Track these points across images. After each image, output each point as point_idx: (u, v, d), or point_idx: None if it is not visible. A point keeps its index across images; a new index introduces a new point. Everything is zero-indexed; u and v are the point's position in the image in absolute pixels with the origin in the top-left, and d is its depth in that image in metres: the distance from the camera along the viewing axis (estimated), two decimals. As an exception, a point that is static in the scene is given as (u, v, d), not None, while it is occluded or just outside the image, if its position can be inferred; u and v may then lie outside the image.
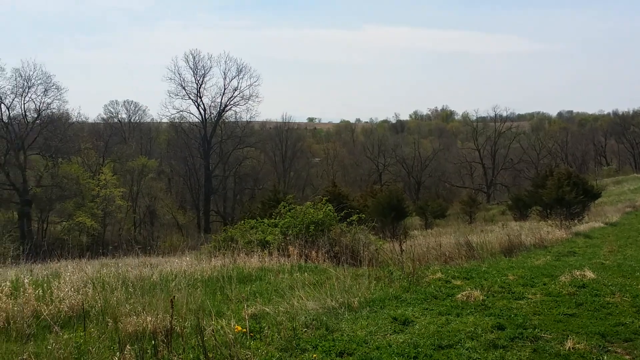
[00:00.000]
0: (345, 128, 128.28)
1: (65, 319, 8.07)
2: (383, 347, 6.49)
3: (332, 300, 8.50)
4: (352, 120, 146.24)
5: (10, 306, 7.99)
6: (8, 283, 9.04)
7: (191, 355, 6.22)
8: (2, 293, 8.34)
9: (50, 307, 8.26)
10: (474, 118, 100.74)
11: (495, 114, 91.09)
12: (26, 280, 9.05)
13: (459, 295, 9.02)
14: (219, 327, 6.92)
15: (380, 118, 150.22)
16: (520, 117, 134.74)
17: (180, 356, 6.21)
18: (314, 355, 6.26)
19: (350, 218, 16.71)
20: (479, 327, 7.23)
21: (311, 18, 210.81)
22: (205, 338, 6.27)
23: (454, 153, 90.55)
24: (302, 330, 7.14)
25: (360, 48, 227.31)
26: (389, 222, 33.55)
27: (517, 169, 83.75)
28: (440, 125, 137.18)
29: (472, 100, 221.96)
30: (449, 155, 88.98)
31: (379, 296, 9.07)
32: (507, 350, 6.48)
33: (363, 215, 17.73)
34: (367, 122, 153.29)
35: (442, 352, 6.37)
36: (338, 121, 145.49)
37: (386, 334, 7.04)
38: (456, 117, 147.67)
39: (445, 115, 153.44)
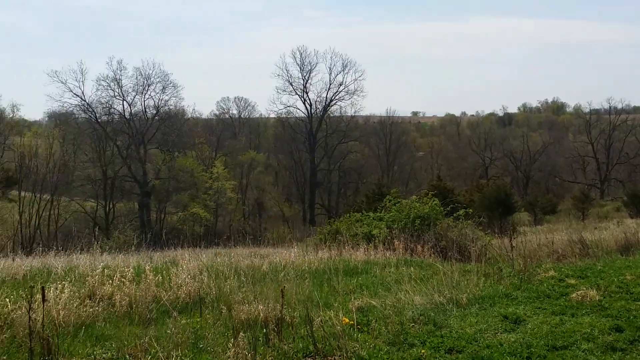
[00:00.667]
0: (450, 121, 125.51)
1: (182, 304, 8.50)
2: (494, 346, 6.33)
3: (439, 296, 8.38)
4: (457, 114, 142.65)
5: (133, 291, 8.53)
6: (131, 269, 9.63)
7: (300, 345, 6.36)
8: (125, 279, 8.93)
9: (169, 293, 8.73)
10: (587, 110, 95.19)
11: (610, 106, 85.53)
12: (147, 267, 9.62)
13: (574, 295, 8.60)
14: (327, 318, 7.02)
15: (487, 111, 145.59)
16: (637, 110, 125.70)
17: (290, 345, 6.37)
18: (422, 351, 6.21)
19: (457, 213, 16.36)
20: (596, 329, 6.87)
21: (418, 12, 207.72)
22: (314, 328, 6.39)
23: (565, 147, 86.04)
24: (409, 325, 7.10)
25: (466, 41, 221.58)
26: (496, 217, 32.59)
27: (633, 164, 78.28)
28: (551, 117, 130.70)
29: (584, 92, 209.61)
30: (559, 148, 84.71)
31: (489, 293, 8.83)
32: (626, 353, 6.12)
33: (470, 210, 17.31)
34: (472, 115, 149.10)
35: (557, 354, 6.12)
36: (443, 114, 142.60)
37: (496, 333, 6.86)
38: (567, 110, 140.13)
39: (556, 108, 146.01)
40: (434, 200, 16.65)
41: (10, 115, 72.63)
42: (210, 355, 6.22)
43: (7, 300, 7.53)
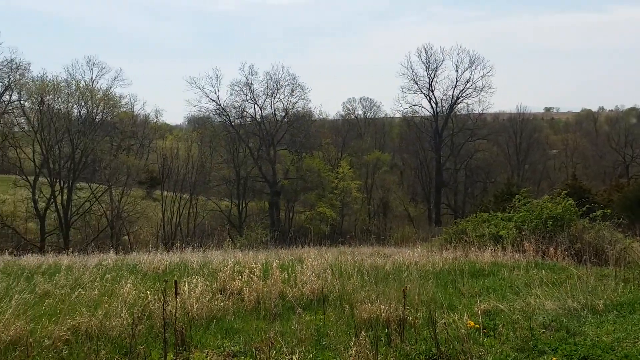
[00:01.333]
0: (587, 117, 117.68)
1: (306, 301, 8.70)
2: (632, 356, 5.87)
3: (573, 301, 7.91)
4: (595, 109, 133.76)
5: (261, 287, 8.85)
6: (259, 266, 10.00)
7: (423, 347, 6.28)
8: (254, 275, 9.29)
9: (294, 290, 8.97)
10: None
11: None
12: (274, 264, 9.94)
13: None
14: (450, 320, 6.87)
15: (628, 105, 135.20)
16: None
17: (412, 346, 6.31)
18: (553, 359, 5.90)
19: (594, 214, 15.33)
20: None
21: (548, 3, 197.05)
22: (437, 331, 6.28)
23: None
24: (539, 331, 6.77)
25: (606, 32, 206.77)
26: (638, 218, 30.18)
27: None
28: None
29: None
30: None
31: (628, 299, 8.21)
32: None
33: (608, 210, 16.14)
34: (611, 110, 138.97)
35: None
36: (578, 110, 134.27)
37: (636, 342, 6.35)
38: None
39: None
40: (567, 200, 15.73)
41: (154, 120, 78.12)
42: (332, 352, 6.30)
43: (148, 292, 8.11)
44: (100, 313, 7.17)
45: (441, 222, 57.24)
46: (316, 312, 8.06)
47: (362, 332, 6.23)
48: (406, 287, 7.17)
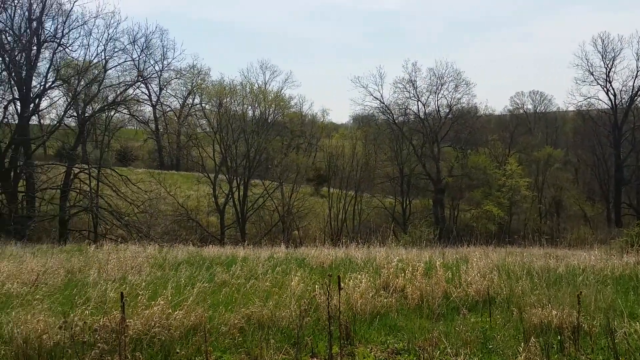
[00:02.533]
0: None
1: (471, 302, 8.49)
2: None
3: None
4: None
5: (424, 285, 8.81)
6: (422, 264, 9.95)
7: (600, 357, 5.87)
8: (418, 273, 9.26)
9: (459, 290, 8.80)
10: None
11: None
12: (438, 263, 9.83)
13: None
14: (632, 330, 6.33)
15: None
16: None
17: (588, 356, 5.92)
18: None
19: None
20: None
21: None
22: (616, 341, 5.83)
23: None
24: None
25: None
26: None
27: None
28: None
29: None
30: None
31: None
32: None
33: None
34: None
35: None
36: None
37: None
38: None
39: None
40: None
41: (321, 120, 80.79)
42: (499, 357, 6.11)
43: (316, 286, 8.44)
44: (271, 304, 7.60)
45: (622, 223, 52.65)
46: (481, 314, 7.85)
47: (532, 338, 5.97)
48: (581, 292, 6.73)
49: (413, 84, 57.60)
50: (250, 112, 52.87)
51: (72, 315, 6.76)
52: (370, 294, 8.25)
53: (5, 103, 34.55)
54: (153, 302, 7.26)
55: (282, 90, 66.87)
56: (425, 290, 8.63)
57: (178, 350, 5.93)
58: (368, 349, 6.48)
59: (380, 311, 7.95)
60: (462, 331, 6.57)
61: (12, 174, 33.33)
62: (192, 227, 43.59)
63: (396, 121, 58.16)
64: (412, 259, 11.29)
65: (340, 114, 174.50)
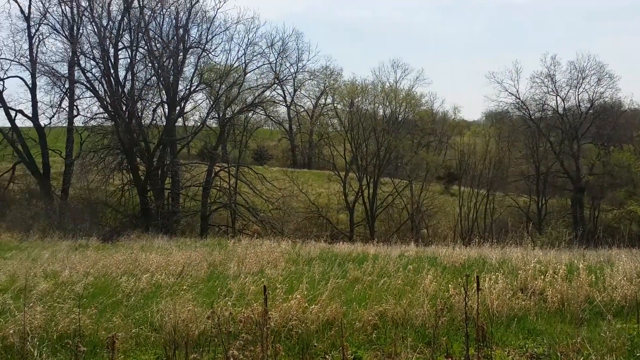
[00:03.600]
0: None
1: (617, 308, 8.01)
2: None
3: None
4: None
5: (565, 289, 8.42)
6: (563, 266, 9.51)
7: None
8: (558, 275, 8.87)
9: (603, 295, 8.33)
10: None
11: None
12: (580, 265, 9.35)
13: None
14: None
15: None
16: None
17: None
18: None
19: None
20: None
21: None
22: None
23: None
24: None
25: None
26: None
27: None
28: None
29: None
30: None
31: None
32: None
33: None
34: None
35: None
36: None
37: None
38: None
39: None
40: None
41: (452, 117, 79.11)
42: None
43: (450, 285, 8.37)
44: (404, 302, 7.64)
45: None
46: (629, 319, 7.38)
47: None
48: None
49: (552, 78, 54.73)
50: (380, 111, 53.02)
51: (215, 306, 7.23)
52: (507, 296, 8.04)
53: (154, 106, 37.40)
54: (290, 296, 7.58)
55: (413, 89, 66.31)
56: (566, 293, 8.24)
57: (315, 344, 6.15)
58: (505, 352, 6.33)
59: (517, 314, 7.72)
60: (608, 337, 6.23)
61: (159, 172, 35.94)
62: (322, 224, 44.55)
63: (532, 117, 55.65)
64: (551, 261, 10.82)
65: (472, 111, 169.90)
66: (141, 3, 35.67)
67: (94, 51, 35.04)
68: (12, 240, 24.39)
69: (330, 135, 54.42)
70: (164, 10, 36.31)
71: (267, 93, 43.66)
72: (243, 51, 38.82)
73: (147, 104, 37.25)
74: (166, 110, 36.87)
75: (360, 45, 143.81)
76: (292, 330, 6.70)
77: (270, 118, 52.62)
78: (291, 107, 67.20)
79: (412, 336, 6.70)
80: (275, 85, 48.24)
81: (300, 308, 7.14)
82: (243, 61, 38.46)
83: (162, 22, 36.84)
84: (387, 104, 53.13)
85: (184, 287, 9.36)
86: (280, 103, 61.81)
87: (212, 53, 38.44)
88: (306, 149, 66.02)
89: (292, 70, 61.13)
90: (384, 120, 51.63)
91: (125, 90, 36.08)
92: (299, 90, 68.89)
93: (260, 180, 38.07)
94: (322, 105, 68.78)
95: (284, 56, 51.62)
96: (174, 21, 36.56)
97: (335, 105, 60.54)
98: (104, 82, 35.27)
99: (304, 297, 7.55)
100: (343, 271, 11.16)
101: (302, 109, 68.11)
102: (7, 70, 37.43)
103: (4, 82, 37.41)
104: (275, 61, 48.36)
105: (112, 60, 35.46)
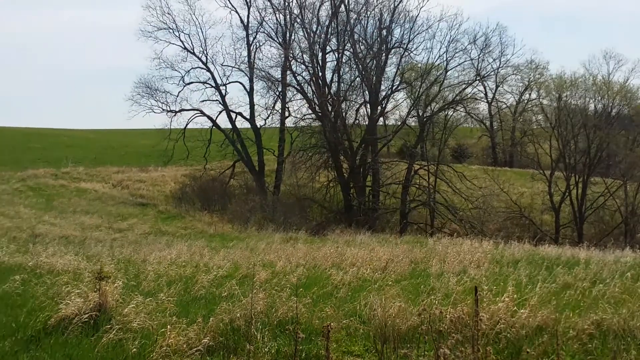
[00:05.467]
0: None
1: None
2: None
3: None
4: None
5: None
6: None
7: None
8: None
9: None
10: None
11: None
12: None
13: None
14: None
15: None
16: None
17: None
18: None
19: None
20: None
21: None
22: None
23: None
24: None
25: None
26: None
27: None
28: None
29: None
30: None
31: None
32: None
33: None
34: None
35: None
36: None
37: None
38: None
39: None
40: None
41: None
42: None
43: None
44: (624, 312, 7.15)
45: None
46: None
47: None
48: None
49: None
50: (592, 106, 49.26)
51: (422, 303, 7.42)
52: None
53: (357, 106, 38.81)
54: (497, 298, 7.50)
55: (628, 81, 60.40)
56: None
57: (528, 350, 6.04)
58: None
59: None
60: None
61: (361, 169, 37.20)
62: (524, 225, 42.51)
63: None
64: None
65: None
66: (347, 7, 37.24)
67: (304, 55, 37.44)
68: (232, 231, 27.04)
69: (535, 132, 51.70)
70: (369, 12, 37.48)
71: (468, 90, 42.88)
72: (445, 49, 38.57)
73: (351, 104, 38.79)
74: (368, 110, 38.02)
75: (572, 36, 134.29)
76: (501, 333, 6.63)
77: (471, 115, 51.49)
78: (492, 104, 65.23)
79: (636, 350, 6.24)
80: (477, 81, 47.20)
81: (509, 311, 7.03)
82: (444, 59, 38.22)
83: (367, 24, 38.07)
84: (599, 98, 49.17)
85: (389, 283, 9.72)
86: (481, 100, 60.32)
87: (414, 52, 38.82)
88: (508, 146, 63.78)
89: (494, 66, 59.31)
90: (595, 115, 47.85)
91: (332, 91, 37.95)
92: (500, 86, 66.53)
93: (460, 178, 37.55)
94: (525, 101, 65.71)
95: (487, 52, 50.22)
96: (377, 23, 37.55)
97: (540, 100, 57.50)
98: (312, 84, 37.44)
99: (512, 300, 7.41)
100: (552, 275, 10.70)
101: (504, 105, 65.77)
102: (229, 76, 41.59)
103: (226, 87, 41.63)
104: (477, 57, 47.33)
105: (320, 64, 37.52)
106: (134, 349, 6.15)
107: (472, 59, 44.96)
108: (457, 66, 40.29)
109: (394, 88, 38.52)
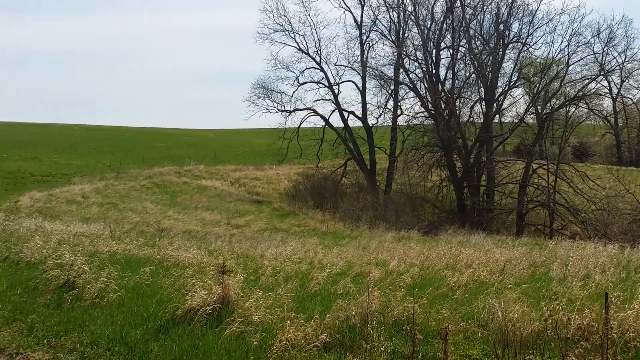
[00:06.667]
0: None
1: None
2: None
3: None
4: None
5: None
6: None
7: None
8: None
9: None
10: None
11: None
12: None
13: None
14: None
15: None
16: None
17: None
18: None
19: None
20: None
21: None
22: None
23: None
24: None
25: None
26: None
27: None
28: None
29: None
30: None
31: None
32: None
33: None
34: None
35: None
36: None
37: None
38: None
39: None
40: None
41: None
42: None
43: None
44: None
45: None
46: None
47: None
48: None
49: None
50: None
51: (544, 308, 7.11)
52: None
53: (471, 103, 37.86)
54: (626, 305, 7.05)
55: None
56: None
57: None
58: None
59: None
60: None
61: (475, 168, 36.24)
62: None
63: None
64: None
65: None
66: (463, 2, 36.41)
67: (417, 53, 37.08)
68: (344, 229, 27.31)
69: None
70: (485, 7, 36.45)
71: (591, 85, 40.59)
72: (566, 42, 36.71)
73: (465, 102, 37.90)
74: (483, 107, 36.97)
75: None
76: (630, 342, 6.24)
77: (594, 112, 48.83)
78: (617, 100, 61.41)
79: None
80: (601, 76, 44.57)
81: (639, 319, 6.59)
82: (566, 53, 36.37)
83: (483, 19, 37.03)
84: None
85: (508, 286, 9.41)
86: (605, 95, 56.98)
87: (533, 47, 37.27)
88: (634, 144, 59.94)
89: (619, 60, 55.73)
90: None
91: (445, 89, 37.28)
92: (626, 81, 62.55)
93: (582, 178, 35.57)
94: None
95: (611, 45, 47.31)
96: (494, 17, 36.41)
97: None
98: (425, 82, 36.98)
99: (642, 307, 6.93)
100: None
101: (630, 102, 61.76)
102: (341, 75, 42.23)
103: (339, 86, 42.11)
104: (601, 51, 44.69)
105: (434, 61, 36.96)
106: (255, 342, 6.35)
107: (595, 53, 42.45)
108: (579, 60, 38.24)
109: (511, 84, 37.19)
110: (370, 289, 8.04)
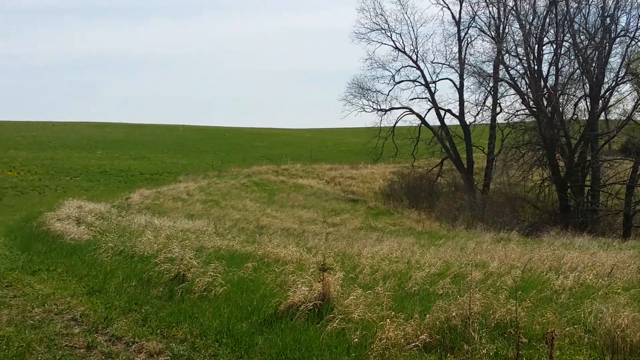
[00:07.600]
0: None
1: None
2: None
3: None
4: None
5: None
6: None
7: None
8: None
9: None
10: None
11: None
12: None
13: None
14: None
15: None
16: None
17: None
18: None
19: None
20: None
21: None
22: None
23: None
24: None
25: None
26: None
27: None
28: None
29: None
30: None
31: None
32: None
33: None
34: None
35: None
36: None
37: None
38: None
39: None
40: None
41: None
42: None
43: None
44: None
45: None
46: None
47: None
48: None
49: None
50: None
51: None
52: None
53: (575, 100, 36.18)
54: None
55: None
56: None
57: None
58: None
59: None
60: None
61: (580, 168, 34.63)
62: None
63: None
64: None
65: None
66: (567, -5, 34.90)
67: (517, 49, 35.92)
68: (440, 229, 26.96)
69: None
70: (590, 0, 34.76)
71: None
72: (682, 35, 34.25)
73: (569, 99, 36.29)
74: (588, 104, 35.23)
75: None
76: None
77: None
78: None
79: None
80: None
81: None
82: (680, 45, 33.99)
83: (588, 12, 35.33)
84: None
85: (617, 290, 9.02)
86: None
87: (643, 40, 35.01)
88: None
89: None
90: None
91: (548, 85, 35.88)
92: None
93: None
94: None
95: None
96: (600, 11, 34.62)
97: None
98: (526, 78, 35.76)
99: None
100: None
101: None
102: (438, 73, 41.60)
103: (435, 84, 41.58)
104: None
105: (536, 56, 35.68)
106: (356, 339, 6.46)
107: None
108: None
109: (618, 80, 35.17)
110: (471, 290, 7.94)
